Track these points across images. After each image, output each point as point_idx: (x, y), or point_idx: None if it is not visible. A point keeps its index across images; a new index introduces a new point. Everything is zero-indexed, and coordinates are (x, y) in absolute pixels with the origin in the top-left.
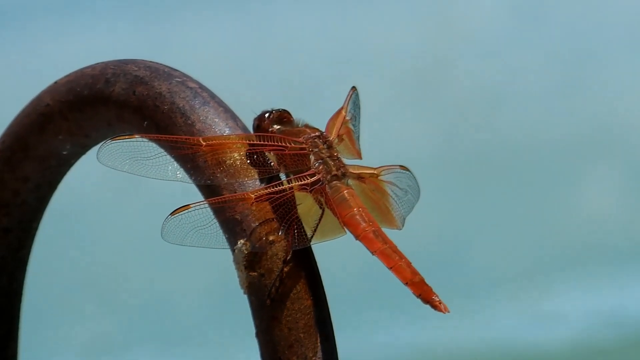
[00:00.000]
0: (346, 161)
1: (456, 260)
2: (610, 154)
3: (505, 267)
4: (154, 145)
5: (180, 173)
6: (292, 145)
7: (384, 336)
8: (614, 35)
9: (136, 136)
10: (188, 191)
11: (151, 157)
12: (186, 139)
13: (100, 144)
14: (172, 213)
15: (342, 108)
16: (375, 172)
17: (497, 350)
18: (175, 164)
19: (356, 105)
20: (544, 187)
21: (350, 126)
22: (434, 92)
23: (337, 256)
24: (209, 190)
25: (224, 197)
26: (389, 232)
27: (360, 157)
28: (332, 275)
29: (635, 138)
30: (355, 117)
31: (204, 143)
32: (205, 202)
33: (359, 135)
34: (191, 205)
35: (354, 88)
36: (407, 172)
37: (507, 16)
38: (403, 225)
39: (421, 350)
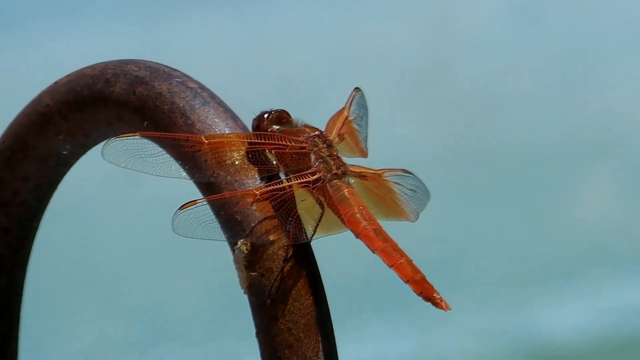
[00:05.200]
0: (347, 160)
1: (455, 262)
2: (610, 155)
3: (504, 269)
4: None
5: (184, 171)
6: (293, 144)
7: (383, 336)
8: (614, 36)
9: (139, 134)
10: (189, 191)
11: (155, 155)
12: (189, 137)
13: (104, 142)
14: (181, 208)
15: (343, 108)
16: (377, 172)
17: (496, 352)
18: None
19: (361, 105)
20: (544, 188)
21: (355, 126)
22: (433, 93)
23: (337, 256)
24: (209, 190)
25: (227, 194)
26: (390, 231)
27: (364, 156)
28: (332, 274)
29: (635, 140)
30: (362, 117)
31: (207, 141)
32: (209, 198)
33: (366, 135)
34: (198, 201)
35: (357, 89)
36: (411, 175)
37: (507, 16)
38: (417, 218)
39: (420, 351)
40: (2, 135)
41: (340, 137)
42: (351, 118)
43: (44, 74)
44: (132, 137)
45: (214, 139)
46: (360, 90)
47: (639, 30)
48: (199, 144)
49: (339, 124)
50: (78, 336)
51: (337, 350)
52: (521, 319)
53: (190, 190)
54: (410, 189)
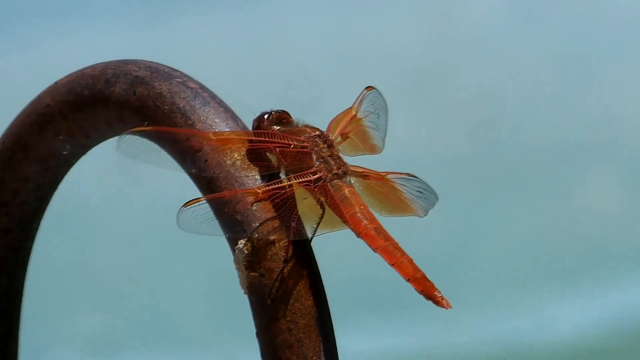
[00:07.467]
0: (350, 160)
1: (456, 262)
2: (611, 155)
3: (506, 269)
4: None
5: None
6: (295, 143)
7: (384, 336)
8: (614, 36)
9: (151, 128)
10: (188, 191)
11: None
12: (197, 132)
13: (118, 136)
14: (185, 205)
15: (351, 107)
16: (381, 174)
17: (497, 352)
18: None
19: (376, 103)
20: (545, 188)
21: (367, 123)
22: (434, 93)
23: (338, 256)
24: (210, 190)
25: (227, 193)
26: (391, 231)
27: (374, 152)
28: (332, 275)
29: (635, 140)
30: (379, 115)
31: (214, 138)
32: (210, 197)
33: (385, 132)
34: (201, 199)
35: (369, 87)
36: (416, 179)
37: (508, 17)
38: (426, 214)
39: (421, 351)
40: (3, 136)
41: (344, 136)
42: (360, 116)
43: (44, 74)
44: (144, 133)
45: (222, 135)
46: (374, 88)
47: (639, 30)
48: (207, 140)
49: (343, 124)
50: (78, 336)
51: (338, 351)
52: (522, 318)
53: (191, 190)
54: (417, 191)
